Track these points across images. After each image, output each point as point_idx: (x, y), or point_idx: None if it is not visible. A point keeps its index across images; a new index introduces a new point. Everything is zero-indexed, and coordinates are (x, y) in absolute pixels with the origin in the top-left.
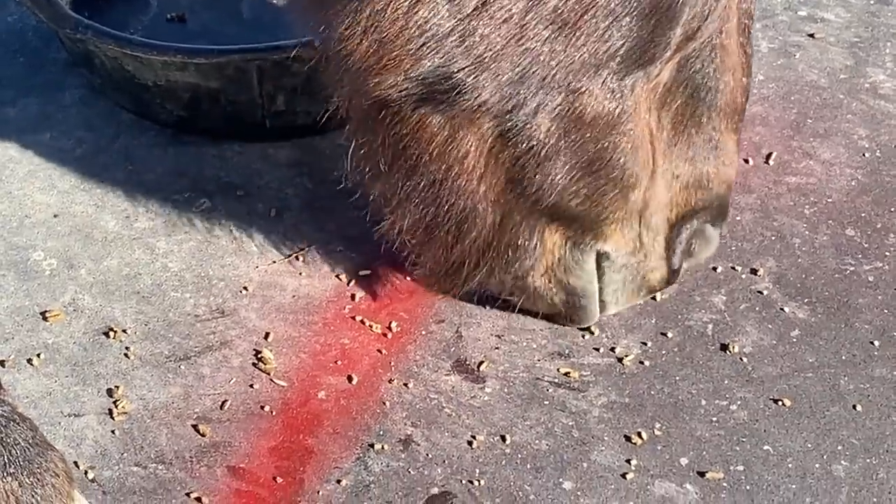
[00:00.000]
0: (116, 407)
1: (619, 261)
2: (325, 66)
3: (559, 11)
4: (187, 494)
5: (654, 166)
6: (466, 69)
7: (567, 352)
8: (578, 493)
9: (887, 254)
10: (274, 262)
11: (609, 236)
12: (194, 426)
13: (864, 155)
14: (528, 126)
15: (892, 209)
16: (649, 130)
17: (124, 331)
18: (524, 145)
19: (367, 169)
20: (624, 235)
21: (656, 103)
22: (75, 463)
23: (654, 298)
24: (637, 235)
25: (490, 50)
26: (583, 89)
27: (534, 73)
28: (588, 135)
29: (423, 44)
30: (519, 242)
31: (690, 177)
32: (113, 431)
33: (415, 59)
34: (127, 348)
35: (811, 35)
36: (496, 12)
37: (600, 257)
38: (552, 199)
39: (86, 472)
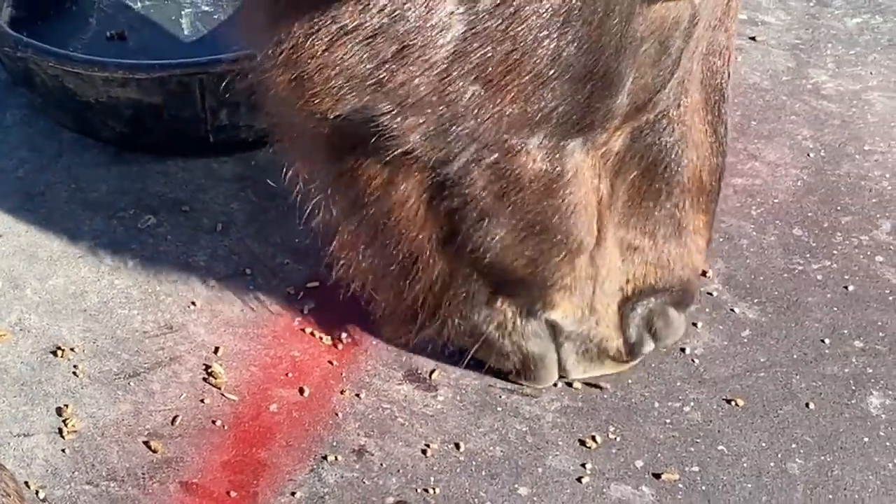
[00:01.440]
0: (66, 425)
1: (568, 328)
2: (259, 88)
3: (483, 67)
4: None
5: (603, 233)
6: (390, 113)
7: None
8: (534, 498)
9: (835, 252)
10: (221, 276)
11: (558, 304)
12: (146, 442)
13: (808, 155)
14: (463, 180)
15: (839, 208)
16: (598, 197)
17: (72, 349)
18: (460, 199)
19: (322, 217)
20: (572, 303)
21: (608, 171)
22: (26, 483)
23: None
24: (588, 302)
25: (413, 96)
26: (518, 147)
27: (462, 124)
28: (526, 195)
29: (344, 84)
30: (470, 295)
31: (651, 253)
32: (63, 450)
33: (335, 99)
34: (75, 366)
35: (752, 38)
36: (416, 60)
37: (553, 325)
38: (496, 258)
39: (37, 492)
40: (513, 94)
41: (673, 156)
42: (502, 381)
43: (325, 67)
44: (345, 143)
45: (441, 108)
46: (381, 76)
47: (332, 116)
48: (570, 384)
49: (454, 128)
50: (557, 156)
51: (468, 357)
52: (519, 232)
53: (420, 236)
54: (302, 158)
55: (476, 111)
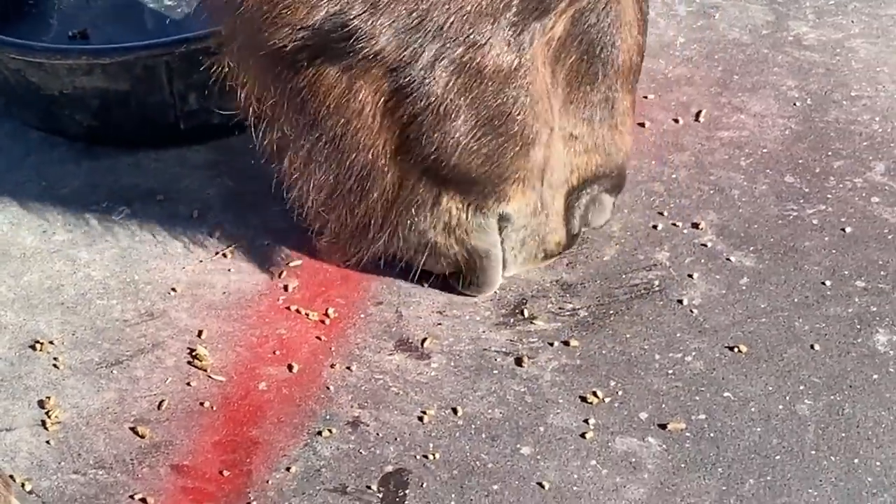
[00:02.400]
0: (49, 417)
1: (519, 221)
2: (222, 21)
3: None
4: (131, 496)
5: (551, 123)
6: (363, 15)
7: (512, 321)
8: (538, 457)
9: (829, 196)
10: (201, 261)
11: (512, 197)
12: (132, 429)
13: (794, 104)
14: (426, 80)
15: (830, 153)
16: (545, 86)
17: (51, 342)
18: (422, 102)
19: (270, 131)
20: (525, 196)
21: (550, 58)
22: (11, 477)
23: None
24: (539, 196)
25: None
26: (481, 41)
27: (431, 19)
28: (488, 90)
29: None
30: (420, 202)
31: (589, 139)
32: (48, 442)
33: (310, 6)
34: (55, 359)
35: None
36: None
37: (501, 219)
38: (452, 159)
39: (23, 485)
40: None
41: (609, 37)
42: (497, 345)
43: None
44: (307, 56)
45: (413, 3)
46: None
47: (303, 27)
48: (566, 343)
49: (423, 23)
50: (517, 47)
51: (418, 270)
52: (478, 129)
53: (376, 144)
54: (258, 79)
55: (444, 5)
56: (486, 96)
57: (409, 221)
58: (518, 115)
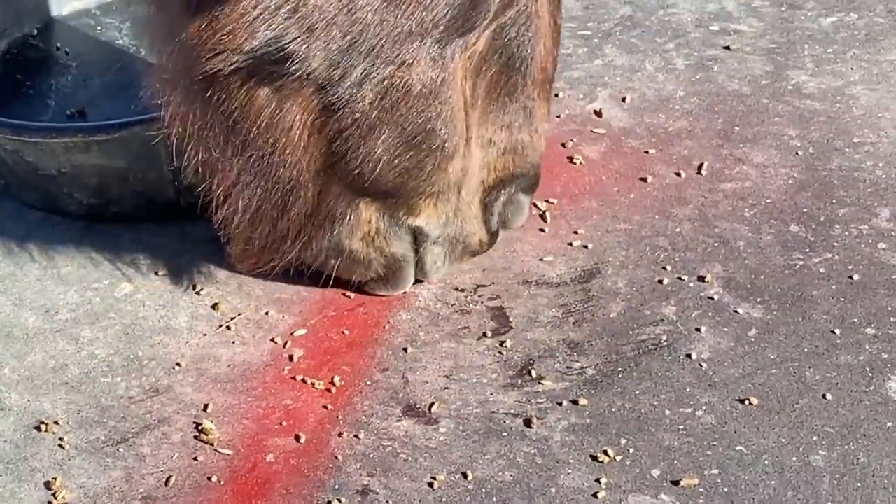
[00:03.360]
0: (56, 498)
1: (434, 233)
2: (163, 48)
3: None
4: None
5: (469, 134)
6: (298, 39)
7: (519, 382)
8: None
9: (835, 244)
10: (205, 334)
11: (422, 211)
12: None
13: (797, 153)
14: (353, 98)
15: (834, 201)
16: (464, 99)
17: (56, 422)
18: (348, 119)
19: (199, 155)
20: (438, 209)
21: (472, 71)
22: None
23: (608, 318)
24: (454, 205)
25: (322, 19)
26: (409, 60)
27: (364, 41)
28: (412, 106)
29: (258, 16)
30: (337, 213)
31: (507, 143)
32: None
33: (249, 32)
34: (61, 439)
35: (727, 47)
36: None
37: (416, 233)
38: (373, 173)
39: None
40: (413, 5)
41: (528, 49)
42: (505, 407)
43: (239, 3)
44: (240, 79)
45: (347, 26)
46: (294, 2)
47: (243, 51)
48: (575, 402)
49: (356, 45)
50: (441, 63)
51: (332, 277)
52: (400, 145)
53: (301, 161)
54: (185, 102)
55: (378, 27)
56: (410, 112)
57: (324, 233)
58: (440, 129)
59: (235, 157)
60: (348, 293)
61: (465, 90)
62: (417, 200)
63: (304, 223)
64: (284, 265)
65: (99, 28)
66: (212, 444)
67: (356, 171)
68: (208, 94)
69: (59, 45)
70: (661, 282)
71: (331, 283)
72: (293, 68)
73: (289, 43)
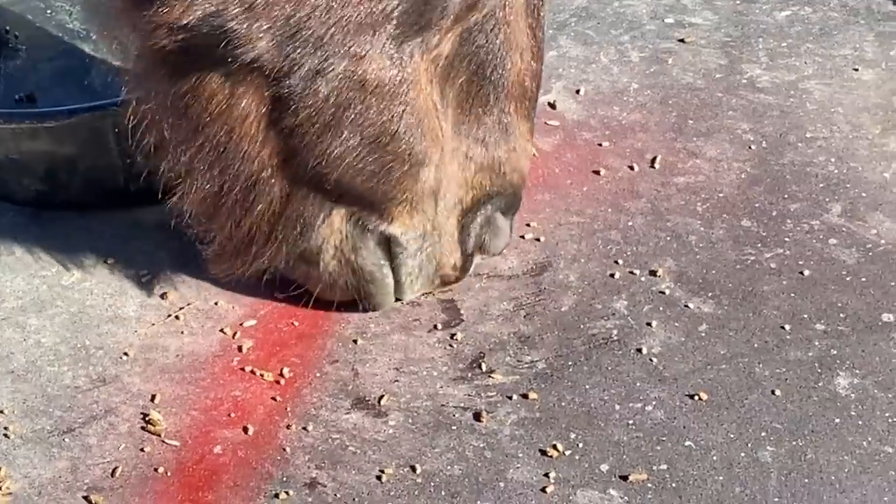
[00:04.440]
0: (0, 489)
1: (412, 246)
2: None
3: None
4: None
5: (442, 144)
6: (239, 17)
7: (469, 375)
8: None
9: (787, 239)
10: (153, 324)
11: (396, 218)
12: (85, 497)
13: (750, 147)
14: (307, 92)
15: (786, 196)
16: (433, 105)
17: (1, 412)
18: (303, 113)
19: (153, 139)
20: (412, 217)
21: (438, 77)
22: None
23: (559, 312)
24: (430, 218)
25: None
26: (362, 54)
27: (309, 28)
28: (371, 105)
29: None
30: (306, 216)
31: (483, 160)
32: None
33: (185, 5)
34: (6, 428)
35: (681, 40)
36: None
37: (391, 241)
38: (336, 174)
39: None
40: None
41: (499, 58)
42: (455, 400)
43: None
44: (189, 60)
45: (290, 8)
46: None
47: (181, 24)
48: (525, 396)
49: (301, 33)
50: (398, 60)
51: (312, 299)
52: (362, 145)
53: (261, 155)
54: (142, 81)
55: (325, 14)
56: (369, 112)
57: (295, 238)
58: (404, 133)
59: (188, 142)
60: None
61: (434, 96)
62: (390, 206)
63: (272, 225)
64: (258, 271)
65: (49, 11)
66: (159, 435)
67: (318, 170)
68: (161, 73)
69: (7, 28)
70: (612, 276)
71: (311, 303)
72: (239, 52)
73: (229, 21)
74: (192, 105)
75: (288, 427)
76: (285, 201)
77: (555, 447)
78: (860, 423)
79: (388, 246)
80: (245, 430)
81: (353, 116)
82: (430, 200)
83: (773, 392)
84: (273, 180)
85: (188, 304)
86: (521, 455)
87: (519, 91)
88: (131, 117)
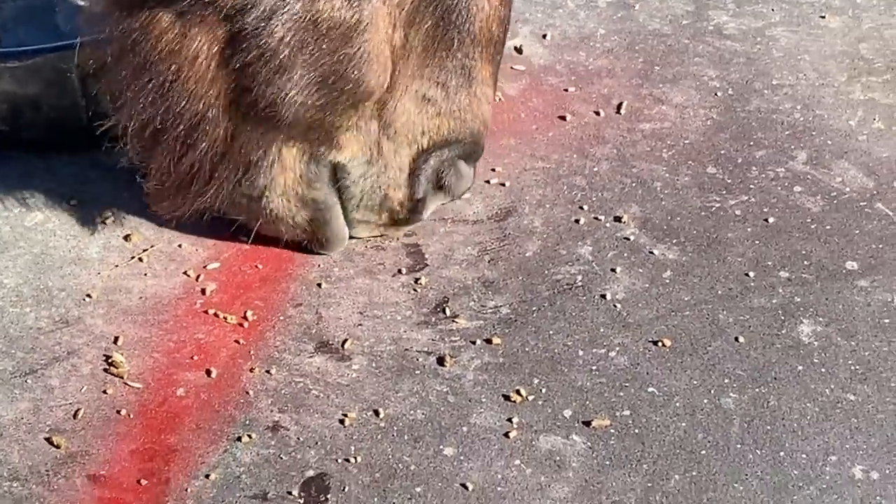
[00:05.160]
0: None
1: (355, 171)
2: None
3: None
4: None
5: (395, 81)
6: None
7: (433, 320)
8: (461, 457)
9: (752, 187)
10: (116, 266)
11: (344, 145)
12: (48, 439)
13: (716, 94)
14: (262, 31)
15: (752, 143)
16: (391, 47)
17: None
18: (256, 52)
19: (109, 80)
20: (359, 143)
21: (403, 20)
22: None
23: (523, 257)
24: (375, 143)
25: None
26: None
27: None
28: (324, 45)
29: None
30: (252, 158)
31: (444, 104)
32: None
33: None
34: None
35: None
36: None
37: (337, 169)
38: (285, 111)
39: None
40: None
41: (464, 3)
42: (418, 345)
43: None
44: None
45: None
46: None
47: None
48: (488, 341)
49: None
50: (357, 3)
51: (252, 233)
52: (313, 84)
53: (208, 94)
54: (99, 23)
55: None
56: (322, 52)
57: (238, 178)
58: (352, 72)
59: (132, 78)
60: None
61: (394, 40)
62: (337, 134)
63: (216, 164)
64: (198, 210)
65: None
66: (122, 378)
67: (267, 109)
68: (115, 13)
69: None
70: (577, 221)
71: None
72: None
73: None
74: (141, 42)
75: (251, 370)
76: (230, 142)
77: (518, 392)
78: (823, 370)
79: (336, 174)
80: (208, 372)
81: (307, 56)
82: (377, 128)
83: (736, 339)
84: (218, 120)
85: (151, 247)
86: (484, 400)
87: (486, 37)
88: (91, 58)
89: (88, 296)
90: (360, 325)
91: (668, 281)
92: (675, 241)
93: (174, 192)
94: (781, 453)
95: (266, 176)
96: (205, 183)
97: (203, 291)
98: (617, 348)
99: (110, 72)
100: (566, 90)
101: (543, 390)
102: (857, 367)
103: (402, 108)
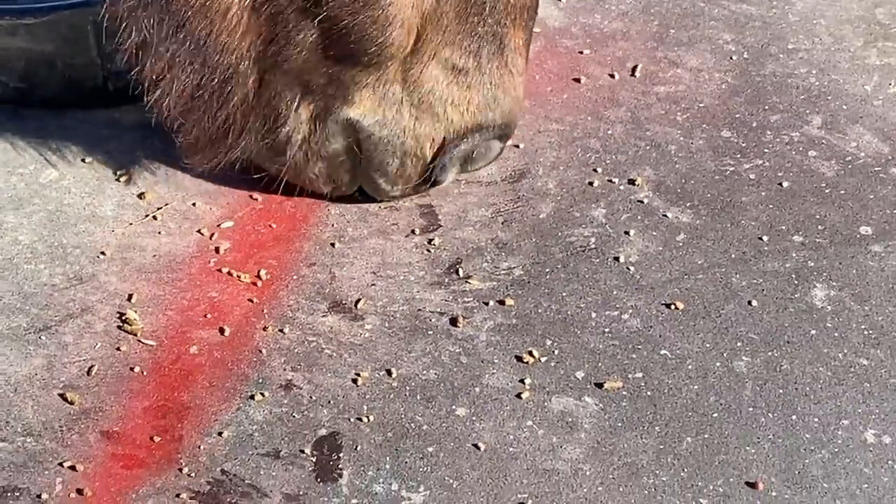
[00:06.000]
0: None
1: (372, 131)
2: None
3: None
4: (60, 464)
5: (423, 46)
6: None
7: (446, 280)
8: (473, 418)
9: (766, 151)
10: (130, 223)
11: (360, 103)
12: (61, 395)
13: (731, 58)
14: None
15: (766, 107)
16: (421, 11)
17: None
18: (284, 2)
19: (133, 37)
20: (375, 102)
21: None
22: None
23: (537, 219)
24: (396, 107)
25: None
26: None
27: None
28: (347, 4)
29: None
30: (278, 109)
31: (475, 74)
32: None
33: None
34: None
35: None
36: None
37: (355, 127)
38: (307, 64)
39: None
40: None
41: None
42: (431, 305)
43: None
44: None
45: None
46: None
47: None
48: (501, 302)
49: None
50: None
51: (281, 183)
52: (334, 38)
53: (240, 46)
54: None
55: None
56: (345, 10)
57: (267, 128)
58: (375, 34)
59: (169, 39)
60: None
61: (424, 4)
62: (355, 91)
63: (248, 116)
64: (230, 161)
65: None
66: (135, 335)
67: (292, 59)
68: None
69: None
70: (591, 184)
71: (280, 189)
72: None
73: None
74: (175, 3)
75: (264, 329)
76: (259, 93)
77: (531, 353)
78: (836, 335)
79: (353, 131)
80: (221, 331)
81: (330, 10)
82: (396, 89)
83: (749, 303)
84: (248, 72)
85: (166, 205)
86: (496, 361)
87: (520, 1)
88: (111, 15)
89: (102, 253)
90: (374, 285)
91: (681, 244)
92: (688, 204)
93: (208, 144)
94: (793, 417)
95: (289, 127)
96: (237, 135)
97: (217, 250)
98: (630, 311)
99: (147, 37)
100: (581, 52)
101: (556, 352)
102: (870, 331)
103: (429, 75)
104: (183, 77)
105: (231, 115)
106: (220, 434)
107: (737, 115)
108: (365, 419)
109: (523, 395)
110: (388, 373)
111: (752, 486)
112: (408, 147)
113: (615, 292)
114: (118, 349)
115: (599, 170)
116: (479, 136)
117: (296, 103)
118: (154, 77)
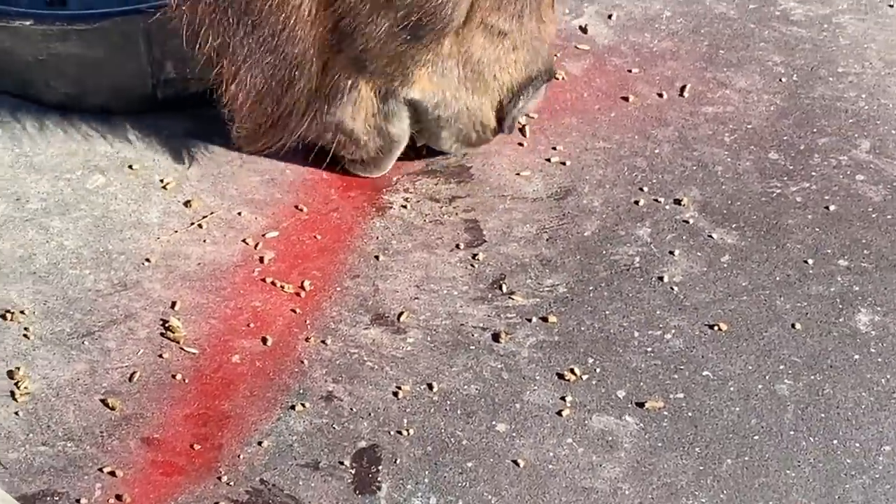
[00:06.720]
0: (18, 388)
1: (433, 110)
2: None
3: None
4: (100, 469)
5: (472, 14)
6: None
7: (490, 296)
8: (513, 434)
9: (813, 174)
10: (175, 231)
11: (418, 82)
12: (103, 401)
13: (780, 80)
14: None
15: (815, 130)
16: None
17: (22, 312)
18: None
19: (210, 40)
20: (433, 82)
21: None
22: None
23: (582, 236)
24: (452, 80)
25: None
26: None
27: None
28: None
29: None
30: (341, 87)
31: (518, 35)
32: (17, 413)
33: None
34: (26, 329)
35: None
36: None
37: (416, 108)
38: (376, 47)
39: None
40: None
41: None
42: (474, 320)
43: None
44: None
45: None
46: None
47: None
48: (544, 319)
49: None
50: None
51: (329, 156)
52: (405, 23)
53: (309, 36)
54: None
55: None
56: None
57: (329, 107)
58: (444, 11)
59: (247, 36)
60: (329, 193)
61: None
62: (414, 70)
63: (311, 98)
64: (290, 142)
65: None
66: (178, 342)
67: (360, 46)
68: None
69: None
70: (636, 202)
71: (325, 161)
72: None
73: None
74: (254, 1)
75: (307, 340)
76: (321, 76)
77: (572, 371)
78: (879, 360)
79: (415, 112)
80: (264, 340)
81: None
82: (453, 66)
83: (793, 326)
84: (314, 57)
85: (211, 213)
86: (538, 378)
87: None
88: (185, 24)
89: (147, 260)
90: (417, 298)
91: (726, 265)
92: (734, 225)
93: (270, 129)
94: (835, 441)
95: (350, 102)
96: (300, 117)
97: (261, 260)
98: (673, 331)
99: (223, 38)
100: (630, 71)
101: (598, 370)
102: None
103: (478, 44)
104: (257, 71)
105: (296, 99)
106: (259, 444)
107: (784, 138)
108: (405, 432)
109: (564, 413)
110: (430, 387)
111: None
112: (470, 120)
113: (658, 312)
114: (160, 356)
115: (645, 189)
116: (531, 87)
117: (358, 84)
118: (232, 75)
